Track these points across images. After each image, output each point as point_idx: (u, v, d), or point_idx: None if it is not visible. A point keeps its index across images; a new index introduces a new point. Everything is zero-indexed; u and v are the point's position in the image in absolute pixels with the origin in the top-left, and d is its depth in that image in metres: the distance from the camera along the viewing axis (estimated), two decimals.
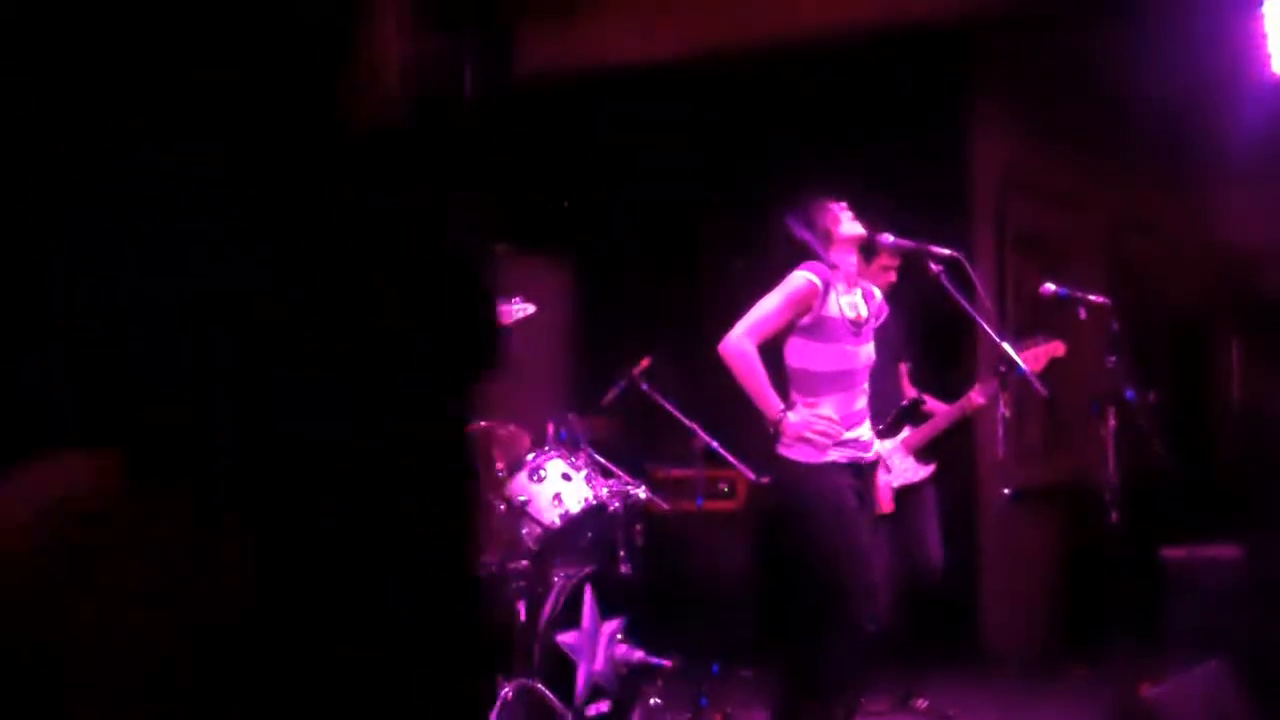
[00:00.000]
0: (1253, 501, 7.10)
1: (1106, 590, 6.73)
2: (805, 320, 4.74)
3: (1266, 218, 7.19)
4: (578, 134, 7.81)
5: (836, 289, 4.78)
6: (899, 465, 6.25)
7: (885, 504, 5.03)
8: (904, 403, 6.35)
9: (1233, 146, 7.11)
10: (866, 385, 4.90)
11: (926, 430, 6.31)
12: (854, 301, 4.87)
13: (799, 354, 4.77)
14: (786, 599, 4.99)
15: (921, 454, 6.31)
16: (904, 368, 6.55)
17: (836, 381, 4.76)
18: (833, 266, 4.79)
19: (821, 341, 4.76)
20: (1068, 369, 6.14)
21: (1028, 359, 5.96)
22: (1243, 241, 7.62)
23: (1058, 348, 5.97)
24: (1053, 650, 7.41)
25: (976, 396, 6.10)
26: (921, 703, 6.33)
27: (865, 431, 4.88)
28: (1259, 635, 6.31)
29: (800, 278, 4.71)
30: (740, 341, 4.70)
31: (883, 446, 6.21)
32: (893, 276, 6.09)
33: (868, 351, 4.90)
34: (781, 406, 4.69)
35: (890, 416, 6.26)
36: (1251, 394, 7.80)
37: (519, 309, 4.57)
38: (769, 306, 4.72)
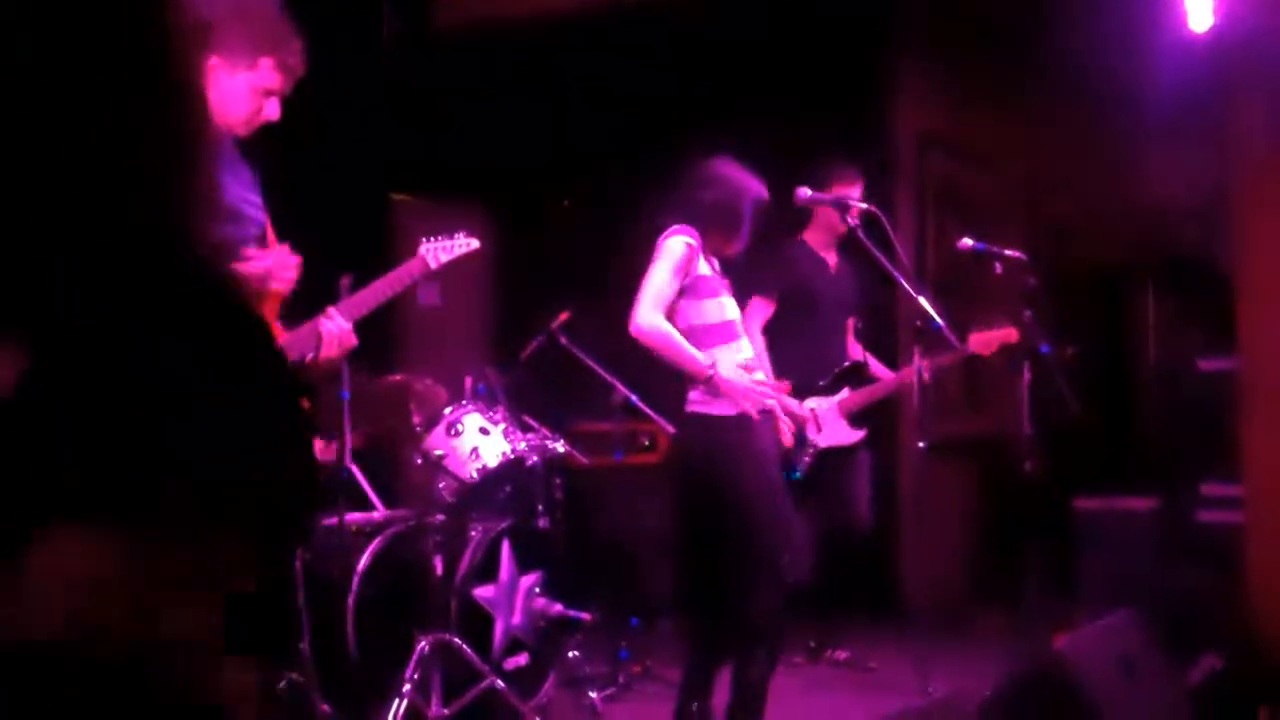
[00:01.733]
0: (1167, 454, 7.19)
1: (1021, 541, 6.80)
2: (684, 282, 4.75)
3: (1183, 175, 7.24)
4: (495, 85, 7.75)
5: (704, 252, 4.82)
6: (830, 425, 6.25)
7: (785, 438, 5.02)
8: (846, 363, 6.35)
9: (1151, 104, 7.16)
10: (746, 337, 4.92)
11: (864, 395, 6.29)
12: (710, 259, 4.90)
13: (683, 315, 4.77)
14: (707, 551, 4.99)
15: (855, 418, 6.31)
16: (851, 324, 6.57)
17: (722, 332, 4.78)
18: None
19: (700, 298, 4.77)
20: (985, 323, 6.18)
21: (979, 341, 6.01)
22: (1160, 198, 7.69)
23: (1011, 334, 6.01)
24: (968, 601, 7.49)
25: (919, 373, 6.11)
26: (841, 654, 6.38)
27: (761, 375, 4.92)
28: (1170, 586, 6.40)
29: (679, 243, 4.72)
30: (649, 316, 4.67)
31: (818, 404, 6.23)
32: (841, 228, 6.10)
33: (733, 303, 4.92)
34: (709, 360, 4.69)
35: (831, 375, 6.27)
36: (1168, 349, 7.88)
37: (461, 244, 4.47)
38: (661, 278, 4.70)
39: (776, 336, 6.18)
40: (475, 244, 4.52)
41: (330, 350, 4.02)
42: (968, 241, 6.06)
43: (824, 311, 6.36)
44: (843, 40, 7.65)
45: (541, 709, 5.35)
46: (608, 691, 5.81)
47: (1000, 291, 6.25)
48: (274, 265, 3.80)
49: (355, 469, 5.86)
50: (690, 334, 4.76)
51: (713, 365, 4.68)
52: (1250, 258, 5.89)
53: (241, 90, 3.77)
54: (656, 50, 7.71)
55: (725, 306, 4.83)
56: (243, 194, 3.88)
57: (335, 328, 4.03)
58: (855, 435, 6.31)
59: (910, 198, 8.04)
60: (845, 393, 6.30)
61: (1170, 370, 7.48)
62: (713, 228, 4.85)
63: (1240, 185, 5.92)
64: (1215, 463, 6.51)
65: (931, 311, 5.25)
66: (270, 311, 3.87)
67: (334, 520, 5.39)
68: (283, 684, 5.08)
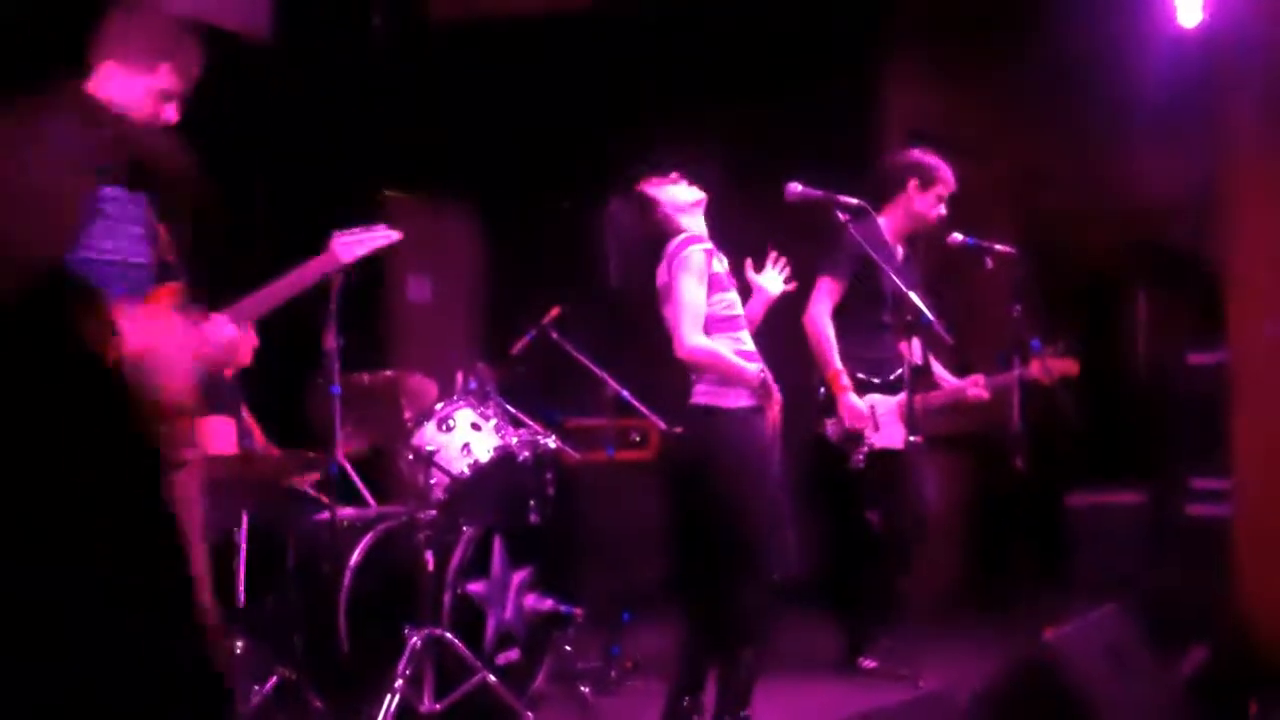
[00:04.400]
0: (1156, 449, 7.21)
1: (1012, 536, 6.82)
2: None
3: (1173, 169, 7.25)
4: (487, 79, 7.74)
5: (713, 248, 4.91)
6: (888, 426, 6.14)
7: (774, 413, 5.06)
8: (910, 363, 6.29)
9: (1140, 99, 7.17)
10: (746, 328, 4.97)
11: (923, 401, 6.12)
12: (719, 257, 4.96)
13: None
14: (698, 547, 5.00)
15: (912, 423, 6.07)
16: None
17: (726, 322, 4.83)
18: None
19: (710, 293, 4.81)
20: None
21: (1039, 368, 5.95)
22: (1149, 193, 7.69)
23: (1073, 367, 5.99)
24: (959, 596, 7.50)
25: (979, 389, 6.08)
26: (869, 663, 6.27)
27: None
28: (1159, 579, 6.42)
29: (696, 252, 4.79)
30: (694, 338, 4.74)
31: (879, 402, 6.17)
32: (928, 219, 6.20)
33: (739, 299, 4.97)
34: (757, 368, 4.78)
35: (893, 373, 6.23)
36: (1157, 343, 7.89)
37: (378, 236, 4.43)
38: (692, 294, 4.76)
39: (841, 323, 6.16)
40: (394, 236, 4.50)
41: (221, 356, 4.03)
42: (958, 236, 6.07)
43: (885, 303, 6.20)
44: (832, 33, 7.66)
45: (533, 704, 5.36)
46: (599, 686, 5.81)
47: (990, 286, 6.26)
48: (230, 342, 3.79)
49: (347, 465, 5.86)
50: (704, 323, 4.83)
51: (761, 370, 4.77)
52: (1239, 252, 5.89)
53: (139, 94, 3.79)
54: (646, 44, 7.72)
55: (733, 303, 4.88)
56: (129, 247, 3.84)
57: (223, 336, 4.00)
58: (912, 439, 6.16)
59: None
60: (904, 396, 6.12)
61: (1160, 364, 7.49)
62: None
63: (1229, 180, 5.93)
64: (1205, 457, 6.52)
65: (923, 306, 5.25)
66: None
67: (326, 516, 5.40)
68: (275, 680, 5.09)
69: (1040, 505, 6.93)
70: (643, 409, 6.09)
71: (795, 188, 5.10)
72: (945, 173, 6.27)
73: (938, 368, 6.34)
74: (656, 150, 5.11)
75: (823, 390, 6.13)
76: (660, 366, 4.89)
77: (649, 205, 4.98)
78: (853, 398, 6.03)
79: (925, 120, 8.10)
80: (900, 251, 6.31)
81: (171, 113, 3.85)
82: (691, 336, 4.72)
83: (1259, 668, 5.25)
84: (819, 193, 5.12)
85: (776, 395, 4.79)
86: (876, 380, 6.17)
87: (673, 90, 7.73)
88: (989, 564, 6.63)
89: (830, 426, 6.11)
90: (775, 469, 4.85)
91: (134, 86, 3.79)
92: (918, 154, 6.35)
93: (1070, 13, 7.13)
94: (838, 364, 6.06)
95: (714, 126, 5.14)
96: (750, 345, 4.89)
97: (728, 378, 4.76)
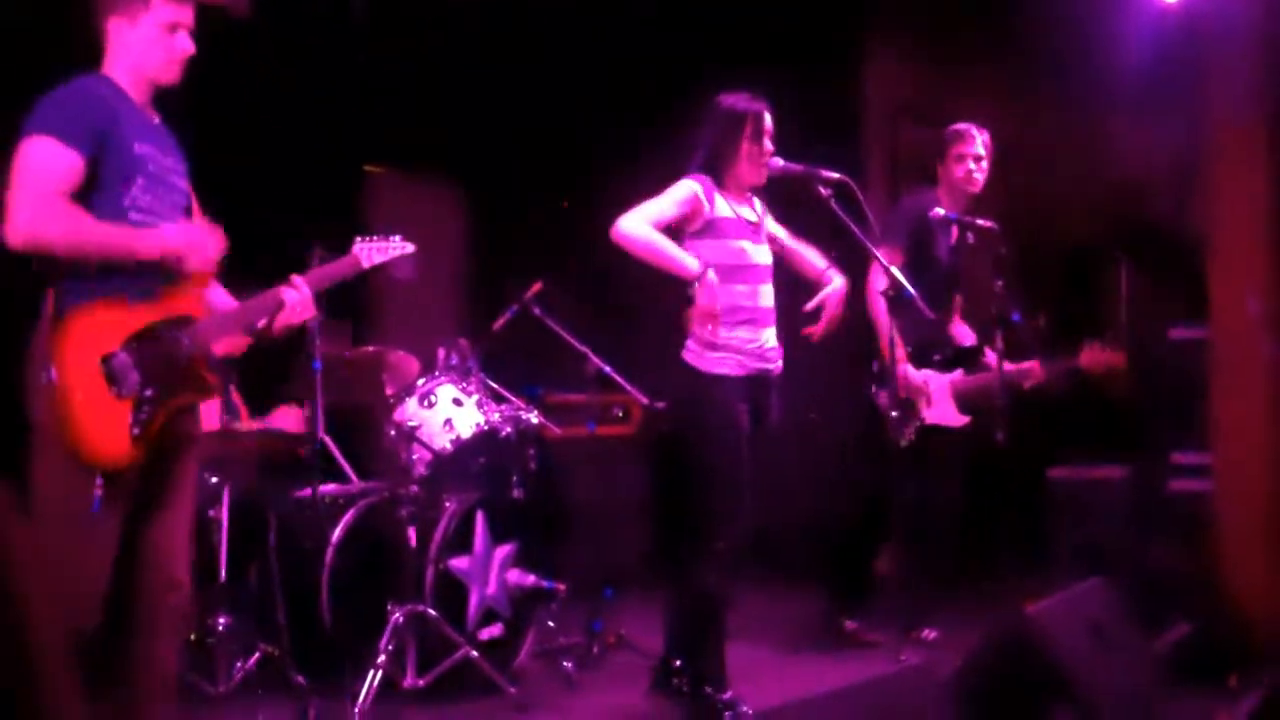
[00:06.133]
0: (1138, 424, 7.22)
1: (995, 510, 6.83)
2: (696, 225, 4.90)
3: (1156, 145, 7.25)
4: (469, 53, 7.71)
5: (724, 196, 4.96)
6: (940, 403, 6.12)
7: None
8: (966, 343, 6.27)
9: (1123, 75, 7.16)
10: (769, 289, 4.99)
11: (975, 382, 6.13)
12: (745, 209, 5.03)
13: (698, 253, 4.86)
14: (674, 505, 5.07)
15: (963, 403, 6.15)
16: (958, 301, 6.46)
17: (732, 274, 4.85)
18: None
19: (714, 238, 4.89)
20: (1100, 340, 6.17)
21: (1089, 358, 5.98)
22: (1132, 169, 7.69)
23: (1120, 360, 5.99)
24: (940, 569, 7.50)
25: (1037, 370, 6.08)
26: (930, 634, 6.27)
27: (769, 338, 4.93)
28: (1141, 554, 6.44)
29: (684, 184, 4.88)
30: (633, 222, 4.79)
31: (933, 378, 6.17)
32: (972, 190, 6.20)
33: (765, 253, 5.03)
34: (698, 264, 4.75)
35: (950, 350, 6.22)
36: (1139, 319, 7.89)
37: (396, 247, 4.50)
38: (657, 202, 4.84)
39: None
40: (410, 248, 4.55)
41: (290, 318, 4.05)
42: (940, 211, 6.06)
43: (939, 278, 6.18)
44: (814, 9, 7.64)
45: (516, 679, 5.36)
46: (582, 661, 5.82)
47: (973, 261, 6.25)
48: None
49: (329, 440, 5.85)
50: None
51: (707, 269, 4.74)
52: (1222, 227, 5.90)
53: (149, 35, 3.82)
54: (626, 21, 7.70)
55: (747, 251, 4.93)
56: (169, 164, 3.88)
57: (298, 296, 4.05)
58: (961, 419, 6.15)
59: (881, 167, 8.04)
60: (959, 374, 6.18)
61: (1142, 340, 7.49)
62: (718, 164, 4.99)
63: (1212, 156, 5.93)
64: (1187, 432, 6.53)
65: (903, 281, 5.24)
66: (197, 289, 3.88)
67: (308, 492, 5.39)
68: (258, 655, 5.09)
69: (1022, 480, 6.94)
70: (624, 384, 6.08)
71: (776, 162, 5.09)
72: (952, 132, 6.29)
73: (989, 351, 6.34)
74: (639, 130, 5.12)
75: (875, 363, 6.13)
76: (643, 341, 4.89)
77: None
78: (909, 369, 6.04)
79: (907, 95, 8.10)
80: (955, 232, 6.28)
81: (185, 43, 3.86)
82: (630, 220, 4.78)
83: (1239, 642, 5.27)
84: (800, 167, 5.11)
85: (715, 299, 4.75)
86: (937, 358, 6.19)
87: (660, 68, 7.71)
88: (971, 538, 6.63)
89: (883, 397, 6.10)
90: (741, 443, 4.85)
91: (140, 31, 3.80)
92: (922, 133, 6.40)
93: None
94: (894, 334, 6.06)
95: (696, 103, 5.12)
96: (762, 303, 4.92)
97: (664, 268, 4.76)
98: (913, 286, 5.45)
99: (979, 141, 6.24)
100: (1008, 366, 6.10)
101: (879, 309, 5.99)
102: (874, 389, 6.14)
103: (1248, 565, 5.69)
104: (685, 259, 4.77)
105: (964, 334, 6.37)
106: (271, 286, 4.06)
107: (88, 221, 3.61)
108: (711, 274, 4.73)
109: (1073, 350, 6.01)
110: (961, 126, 6.28)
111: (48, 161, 3.58)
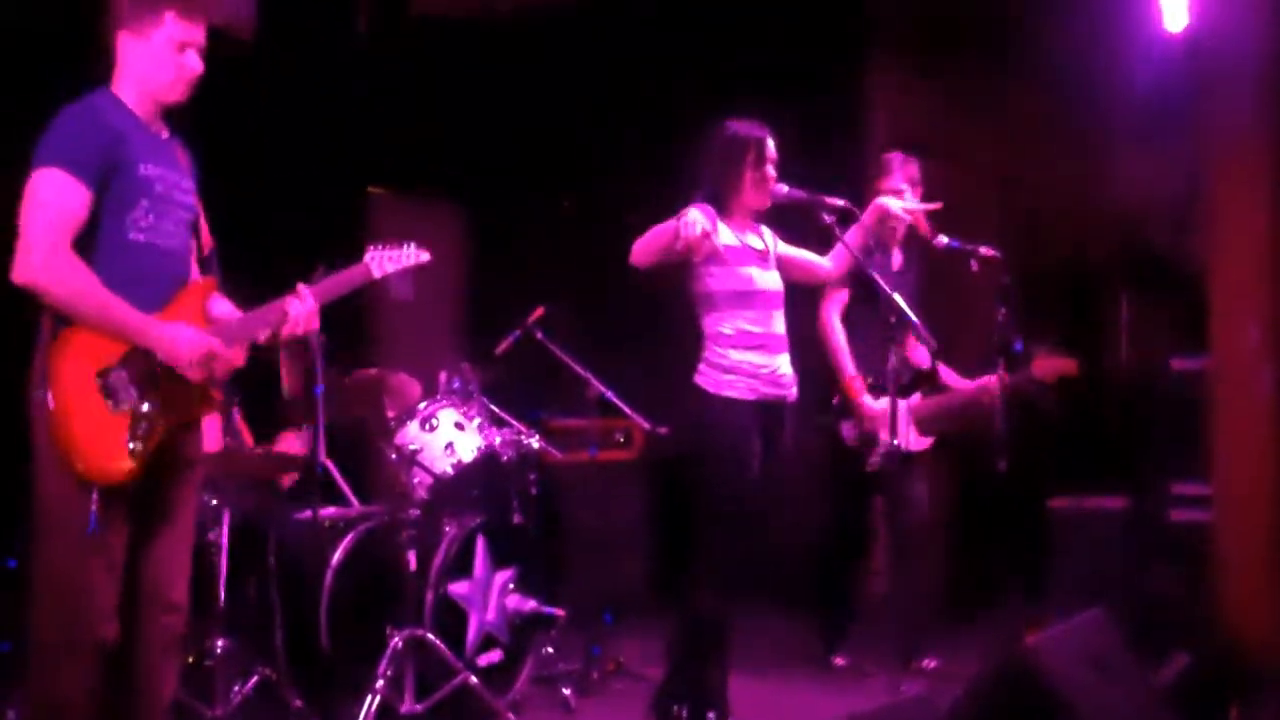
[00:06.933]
0: (1139, 454, 7.21)
1: (994, 540, 6.82)
2: (702, 253, 4.85)
3: (1157, 174, 7.26)
4: (472, 76, 7.73)
5: (728, 224, 4.96)
6: (899, 428, 6.14)
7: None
8: (923, 367, 6.28)
9: (1125, 103, 7.18)
10: (779, 315, 4.99)
11: (936, 404, 6.22)
12: (751, 237, 5.05)
13: (700, 280, 4.91)
14: (670, 538, 5.07)
15: (924, 425, 6.22)
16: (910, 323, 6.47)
17: (740, 300, 4.89)
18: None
19: (720, 265, 4.90)
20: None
21: (1040, 367, 6.02)
22: (1134, 197, 7.70)
23: (1072, 366, 6.02)
24: (940, 599, 7.49)
25: (994, 385, 6.07)
26: (930, 663, 6.27)
27: (782, 364, 4.93)
28: (1141, 584, 6.42)
29: (688, 212, 4.82)
30: (639, 240, 4.85)
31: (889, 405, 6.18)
32: (899, 224, 6.17)
33: (774, 279, 5.04)
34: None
35: (905, 377, 6.18)
36: (1140, 348, 7.89)
37: (409, 255, 4.46)
38: (662, 226, 4.83)
39: (850, 328, 6.19)
40: (425, 256, 4.52)
41: (294, 329, 4.04)
42: (943, 239, 6.06)
43: (885, 303, 6.24)
44: (815, 37, 7.66)
45: (515, 705, 5.34)
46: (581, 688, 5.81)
47: (975, 289, 6.25)
48: (177, 352, 3.78)
49: (330, 464, 5.85)
50: (709, 298, 4.92)
51: (699, 234, 4.69)
52: (1223, 257, 5.90)
53: (159, 53, 3.83)
54: (629, 52, 7.72)
55: (755, 278, 4.95)
56: (176, 180, 3.88)
57: (301, 307, 4.04)
58: (922, 443, 6.22)
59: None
60: (916, 398, 6.23)
61: (1142, 369, 7.49)
62: (721, 191, 5.00)
63: (1213, 184, 5.94)
64: (1187, 462, 6.52)
65: (905, 308, 5.24)
66: (197, 302, 3.90)
67: (308, 514, 5.38)
68: (256, 679, 5.07)
69: (1022, 509, 6.93)
70: (626, 409, 6.09)
71: (781, 189, 5.10)
72: (887, 163, 6.31)
73: (944, 370, 6.36)
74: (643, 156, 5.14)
75: (837, 397, 6.15)
76: (645, 367, 4.89)
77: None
78: (869, 400, 6.06)
79: (909, 123, 8.11)
80: (898, 257, 6.33)
81: (195, 62, 3.86)
82: (637, 243, 4.84)
83: (1240, 673, 5.26)
84: (804, 194, 5.12)
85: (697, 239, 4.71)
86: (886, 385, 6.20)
87: (664, 94, 7.73)
88: (971, 568, 6.62)
89: (846, 429, 6.14)
90: (749, 472, 4.85)
91: (150, 47, 3.81)
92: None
93: (1056, 16, 7.14)
94: (851, 369, 6.09)
95: (699, 132, 5.14)
96: (773, 329, 4.94)
97: (661, 244, 4.79)
98: (867, 320, 5.51)
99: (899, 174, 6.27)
100: (960, 384, 6.15)
101: (833, 342, 6.05)
102: (838, 422, 6.17)
103: (1248, 596, 5.68)
104: (669, 228, 4.76)
105: (919, 356, 6.37)
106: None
107: (92, 285, 3.62)
108: (687, 230, 4.68)
109: (1025, 362, 6.02)
110: (889, 155, 6.31)
111: (59, 199, 3.60)
